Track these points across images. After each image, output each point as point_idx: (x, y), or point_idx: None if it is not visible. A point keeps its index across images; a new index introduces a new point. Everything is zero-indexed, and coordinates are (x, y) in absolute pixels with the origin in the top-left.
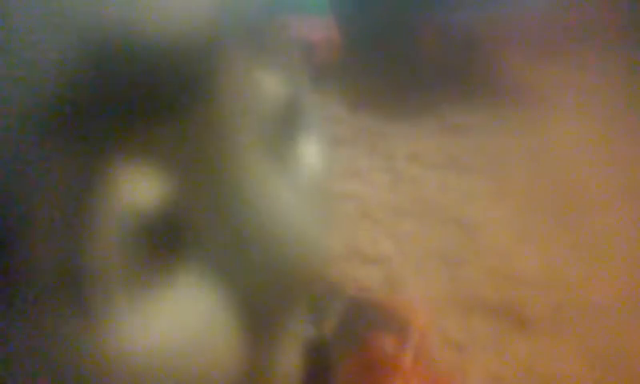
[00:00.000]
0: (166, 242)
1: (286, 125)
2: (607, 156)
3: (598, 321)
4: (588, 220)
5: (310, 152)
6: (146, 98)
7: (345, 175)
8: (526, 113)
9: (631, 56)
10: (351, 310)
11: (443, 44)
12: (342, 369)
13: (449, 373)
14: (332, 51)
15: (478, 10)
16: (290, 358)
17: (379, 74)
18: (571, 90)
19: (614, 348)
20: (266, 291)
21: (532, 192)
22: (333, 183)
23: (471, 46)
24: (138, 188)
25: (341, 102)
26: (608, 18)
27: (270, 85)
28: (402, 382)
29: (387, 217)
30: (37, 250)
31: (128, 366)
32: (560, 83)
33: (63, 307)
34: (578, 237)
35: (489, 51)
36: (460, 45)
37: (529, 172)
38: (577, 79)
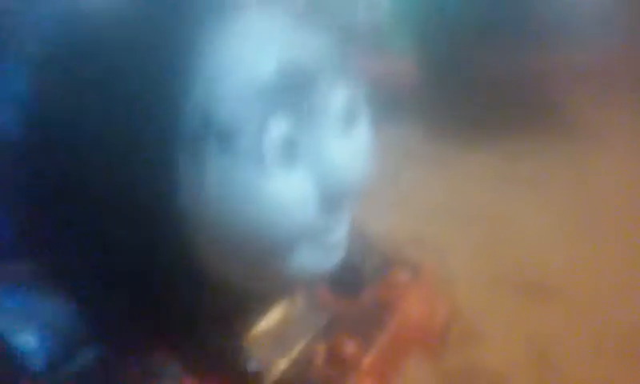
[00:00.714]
0: None
1: (349, 114)
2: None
3: (599, 300)
4: (610, 233)
5: (363, 130)
6: None
7: (412, 186)
8: (577, 145)
9: None
10: (383, 257)
11: (504, 81)
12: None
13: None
14: (407, 84)
15: (537, 51)
16: None
17: (447, 104)
18: (622, 130)
19: (612, 323)
20: None
21: (568, 208)
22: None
23: (528, 82)
24: None
25: (415, 129)
26: None
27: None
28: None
29: (442, 216)
30: None
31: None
32: (613, 122)
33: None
34: (597, 243)
35: (547, 89)
36: (519, 83)
37: (569, 192)
38: (629, 120)
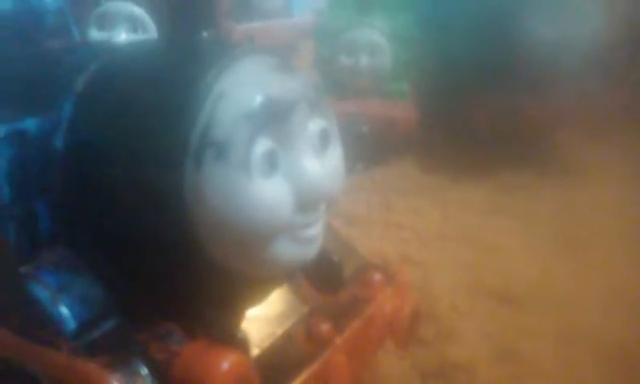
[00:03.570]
0: None
1: (323, 140)
2: (620, 219)
3: (567, 308)
4: (587, 255)
5: (335, 153)
6: None
7: (406, 212)
8: (565, 178)
9: None
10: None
11: (497, 121)
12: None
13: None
14: (410, 127)
15: (528, 94)
16: None
17: (446, 144)
18: (606, 164)
19: (576, 329)
20: None
21: (551, 234)
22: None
23: (520, 122)
24: None
25: (414, 165)
26: None
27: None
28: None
29: (432, 238)
30: None
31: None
32: (598, 158)
33: None
34: (563, 262)
35: (538, 128)
36: (510, 121)
37: (555, 221)
38: (612, 155)
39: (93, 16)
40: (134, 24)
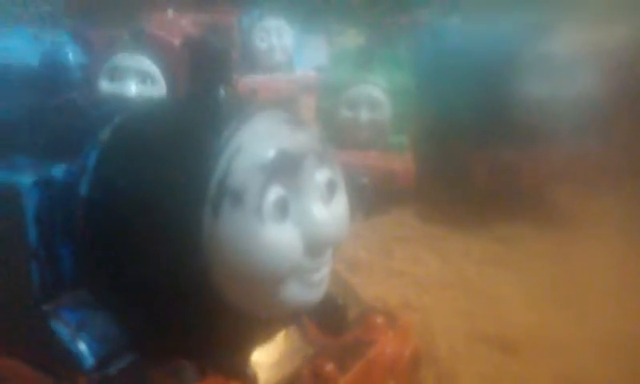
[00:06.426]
0: None
1: (329, 189)
2: (615, 270)
3: (563, 355)
4: (583, 304)
5: (340, 201)
6: None
7: (406, 260)
8: (562, 230)
9: None
10: (364, 305)
11: (493, 175)
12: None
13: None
14: (409, 178)
15: (526, 149)
16: None
17: (444, 196)
18: (602, 218)
19: (572, 376)
20: None
21: (548, 284)
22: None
23: (517, 176)
24: None
25: (413, 215)
26: None
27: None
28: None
29: (431, 285)
30: None
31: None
32: (593, 212)
33: None
34: (570, 312)
35: (532, 181)
36: (507, 176)
37: (551, 272)
38: (608, 209)
39: (104, 69)
40: (144, 77)
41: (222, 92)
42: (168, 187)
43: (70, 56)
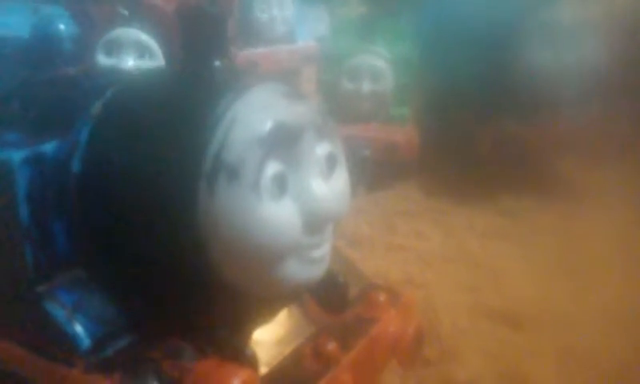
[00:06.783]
0: None
1: (329, 163)
2: (620, 242)
3: (567, 329)
4: (587, 277)
5: (341, 175)
6: None
7: (408, 235)
8: (566, 202)
9: None
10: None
11: (498, 146)
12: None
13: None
14: (411, 151)
15: (530, 118)
16: None
17: (448, 168)
18: (607, 188)
19: (576, 349)
20: None
21: (551, 257)
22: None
23: (521, 147)
24: None
25: (416, 188)
26: None
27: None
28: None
29: (434, 260)
30: None
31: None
32: (598, 182)
33: None
34: (573, 285)
35: (539, 152)
36: (511, 146)
37: (555, 245)
38: (612, 180)
39: (101, 42)
40: (141, 50)
41: (217, 63)
42: (162, 161)
43: (62, 27)
